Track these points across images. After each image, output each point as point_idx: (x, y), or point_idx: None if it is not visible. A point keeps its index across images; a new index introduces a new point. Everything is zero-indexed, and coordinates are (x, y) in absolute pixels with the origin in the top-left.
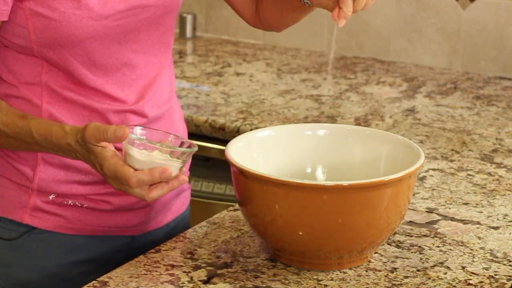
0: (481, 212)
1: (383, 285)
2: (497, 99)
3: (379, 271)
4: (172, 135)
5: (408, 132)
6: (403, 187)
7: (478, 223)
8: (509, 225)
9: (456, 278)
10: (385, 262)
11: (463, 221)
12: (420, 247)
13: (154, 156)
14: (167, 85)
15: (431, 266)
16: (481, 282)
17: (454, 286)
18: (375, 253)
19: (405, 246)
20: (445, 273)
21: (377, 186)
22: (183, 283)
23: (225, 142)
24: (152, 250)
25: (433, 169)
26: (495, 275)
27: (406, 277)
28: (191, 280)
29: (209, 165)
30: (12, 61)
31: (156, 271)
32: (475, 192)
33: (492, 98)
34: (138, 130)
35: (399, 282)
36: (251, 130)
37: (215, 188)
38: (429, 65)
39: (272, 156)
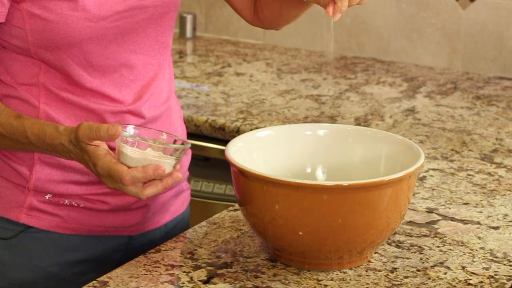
0: (481, 212)
1: (383, 285)
2: (497, 99)
3: (379, 271)
4: (164, 133)
5: (408, 132)
6: (403, 187)
7: (478, 223)
8: (509, 225)
9: (456, 278)
10: (385, 262)
11: (463, 221)
12: (420, 247)
13: (147, 154)
14: (166, 85)
15: (431, 266)
16: (481, 282)
17: (454, 286)
18: (375, 253)
19: (405, 246)
20: (445, 273)
21: (377, 186)
22: (183, 283)
23: (225, 142)
24: (152, 250)
25: (433, 169)
26: (495, 275)
27: (406, 277)
28: (191, 280)
29: (209, 165)
30: (9, 62)
31: (156, 271)
32: (475, 192)
33: (492, 98)
34: (131, 128)
35: (399, 282)
36: (251, 130)
37: (215, 188)
38: (429, 65)
39: (272, 156)
